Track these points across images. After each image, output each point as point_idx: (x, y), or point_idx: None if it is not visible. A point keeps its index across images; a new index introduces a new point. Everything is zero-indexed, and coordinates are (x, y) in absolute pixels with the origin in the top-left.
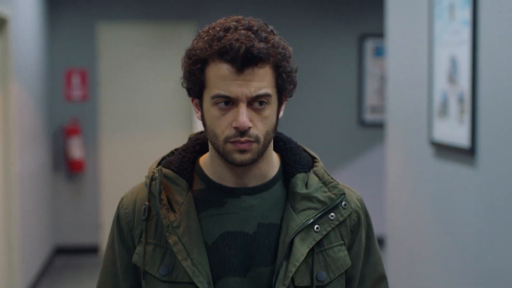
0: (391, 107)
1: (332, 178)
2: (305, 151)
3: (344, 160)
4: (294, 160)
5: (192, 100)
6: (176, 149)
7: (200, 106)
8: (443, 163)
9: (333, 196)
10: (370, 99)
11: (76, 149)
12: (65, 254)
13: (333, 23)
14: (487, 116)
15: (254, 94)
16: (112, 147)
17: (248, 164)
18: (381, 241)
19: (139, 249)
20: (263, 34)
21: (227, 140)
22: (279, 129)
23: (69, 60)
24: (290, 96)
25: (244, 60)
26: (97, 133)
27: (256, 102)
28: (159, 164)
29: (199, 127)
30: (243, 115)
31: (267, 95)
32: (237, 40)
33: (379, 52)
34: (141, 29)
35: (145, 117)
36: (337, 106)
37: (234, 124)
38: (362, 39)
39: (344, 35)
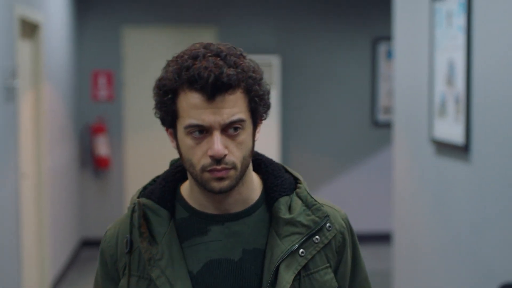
0: (398, 108)
1: (315, 200)
2: (287, 171)
3: (358, 158)
4: (276, 183)
5: (167, 130)
6: (157, 177)
7: (174, 136)
8: (442, 160)
9: (317, 219)
10: (383, 100)
11: (102, 147)
12: (90, 246)
13: (347, 27)
14: (480, 115)
15: (227, 121)
16: (136, 144)
17: (226, 191)
18: (389, 237)
19: (123, 281)
20: (232, 59)
21: (203, 169)
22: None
23: (96, 62)
24: (265, 119)
25: (214, 88)
26: (122, 131)
27: (230, 129)
28: (140, 192)
29: None
30: (218, 143)
31: (240, 121)
32: (206, 68)
33: (391, 54)
34: (163, 32)
35: None
36: (352, 107)
37: (209, 153)
38: (375, 42)
39: (358, 38)
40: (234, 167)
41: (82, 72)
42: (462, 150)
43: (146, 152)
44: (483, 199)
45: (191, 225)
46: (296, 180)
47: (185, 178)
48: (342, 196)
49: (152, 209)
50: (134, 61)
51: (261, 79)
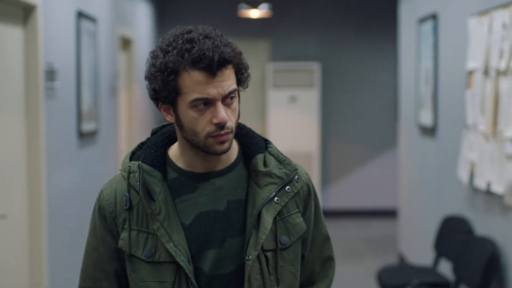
0: (402, 103)
1: (285, 157)
2: (258, 134)
3: (383, 147)
4: (252, 143)
5: (160, 106)
6: (142, 143)
7: (173, 111)
8: (423, 139)
9: (288, 171)
10: None
11: None
12: None
13: (376, 39)
14: (443, 107)
15: (227, 91)
16: None
17: (226, 151)
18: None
19: (123, 235)
20: (220, 39)
21: (208, 135)
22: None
23: None
24: (246, 87)
25: (218, 65)
26: None
27: (228, 98)
28: (131, 158)
29: (271, 117)
30: (222, 112)
31: (235, 90)
32: (208, 49)
33: None
34: None
35: None
36: (379, 105)
37: (215, 121)
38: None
39: (384, 48)
40: (232, 131)
41: None
42: (431, 131)
43: None
44: (443, 165)
45: (180, 184)
46: (266, 141)
47: (170, 144)
48: (369, 178)
49: (147, 171)
50: None
51: (242, 53)
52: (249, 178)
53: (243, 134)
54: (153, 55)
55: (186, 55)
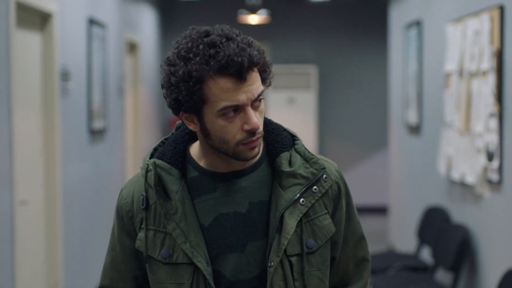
0: (392, 103)
1: (312, 155)
2: (285, 130)
3: (376, 145)
4: (277, 140)
5: (182, 115)
6: (166, 139)
7: (197, 120)
8: (409, 136)
9: (315, 171)
10: None
11: None
12: None
13: (370, 44)
14: (427, 107)
15: (256, 95)
16: None
17: (256, 156)
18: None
19: (140, 235)
20: (244, 40)
21: (239, 142)
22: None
23: None
24: (269, 85)
25: (247, 70)
26: None
27: (257, 101)
28: (151, 155)
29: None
30: (254, 117)
31: (262, 92)
32: (235, 53)
33: None
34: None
35: None
36: (372, 106)
37: (247, 127)
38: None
39: (378, 53)
40: (262, 134)
41: None
42: (416, 130)
43: None
44: (426, 159)
45: (201, 183)
46: (293, 137)
47: (192, 140)
48: (363, 176)
49: (164, 169)
50: None
51: (264, 50)
52: (273, 177)
53: (268, 130)
54: (170, 63)
55: (212, 62)
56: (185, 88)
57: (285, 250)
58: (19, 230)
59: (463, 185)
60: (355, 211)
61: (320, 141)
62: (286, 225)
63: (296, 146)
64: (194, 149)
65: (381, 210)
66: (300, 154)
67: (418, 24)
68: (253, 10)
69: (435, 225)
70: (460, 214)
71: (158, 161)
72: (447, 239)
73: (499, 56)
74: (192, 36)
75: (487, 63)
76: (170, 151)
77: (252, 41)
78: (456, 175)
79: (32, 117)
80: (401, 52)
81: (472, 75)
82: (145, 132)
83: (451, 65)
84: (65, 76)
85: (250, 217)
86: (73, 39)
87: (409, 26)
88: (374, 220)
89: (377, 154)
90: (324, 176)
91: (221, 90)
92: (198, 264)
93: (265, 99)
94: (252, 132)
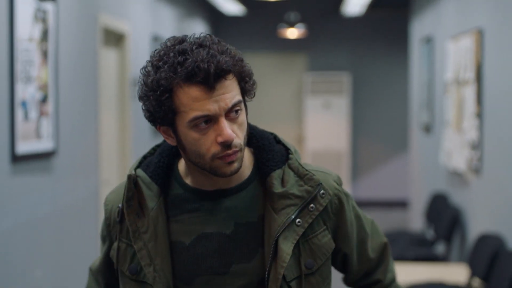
0: (413, 108)
1: (306, 170)
2: (279, 142)
3: (404, 145)
4: (268, 158)
5: (159, 128)
6: (158, 146)
7: (173, 133)
8: (422, 135)
9: (310, 188)
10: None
11: None
12: None
13: (399, 53)
14: (436, 110)
15: (230, 105)
16: None
17: (236, 173)
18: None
19: (115, 245)
20: (218, 47)
21: (214, 157)
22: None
23: None
24: (253, 96)
25: (215, 77)
26: None
27: (232, 112)
28: (140, 163)
29: (308, 120)
30: (227, 128)
31: (240, 102)
32: (203, 60)
33: None
34: (268, 57)
35: (269, 115)
36: (400, 109)
37: (220, 140)
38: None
39: (403, 60)
40: (240, 149)
41: None
42: (427, 127)
43: None
44: (435, 154)
45: (184, 201)
46: (288, 151)
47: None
48: (390, 171)
49: (145, 182)
50: None
51: (243, 59)
52: (265, 198)
53: (259, 146)
54: (145, 72)
55: (179, 69)
56: (153, 98)
57: (284, 276)
58: (101, 205)
59: (457, 174)
60: (360, 211)
61: (353, 141)
62: (281, 252)
63: (289, 162)
64: (182, 163)
65: (404, 204)
66: (293, 171)
67: (429, 39)
68: (292, 24)
69: (437, 208)
70: (455, 197)
71: (141, 173)
72: (444, 218)
73: (479, 68)
74: (168, 45)
75: (471, 73)
76: (154, 164)
77: (228, 49)
78: (452, 165)
79: (111, 115)
80: (418, 63)
81: (463, 83)
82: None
83: (449, 75)
84: (135, 83)
85: (235, 238)
86: (141, 54)
87: (423, 40)
88: (399, 214)
89: (403, 153)
90: (321, 191)
91: (190, 99)
92: None
93: (303, 103)
94: (226, 145)
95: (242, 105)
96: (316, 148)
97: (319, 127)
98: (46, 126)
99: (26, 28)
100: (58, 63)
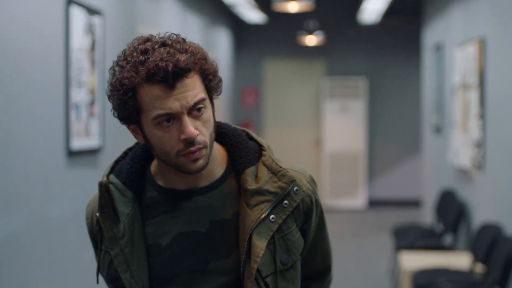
0: (425, 111)
1: (280, 167)
2: (252, 139)
3: (418, 147)
4: (241, 155)
5: (128, 127)
6: (129, 149)
7: (140, 130)
8: (433, 135)
9: (283, 184)
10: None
11: None
12: None
13: (413, 59)
14: (445, 112)
15: (192, 103)
16: (272, 137)
17: (202, 170)
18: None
19: (98, 251)
20: (179, 46)
21: (178, 154)
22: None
23: (246, 81)
24: (220, 93)
25: (174, 76)
26: (262, 127)
27: (194, 110)
28: (112, 168)
29: (326, 123)
30: (189, 126)
31: (202, 100)
32: (161, 59)
33: None
34: (288, 62)
35: (289, 118)
36: (415, 113)
37: (182, 137)
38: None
39: (417, 65)
40: (205, 146)
41: (236, 88)
42: (437, 128)
43: (280, 143)
44: (444, 153)
45: (160, 203)
46: (261, 147)
47: (153, 157)
48: (405, 171)
49: (119, 189)
50: (270, 80)
51: (207, 57)
52: (240, 195)
53: (232, 144)
54: (111, 72)
55: (140, 69)
56: (118, 97)
57: (259, 271)
58: None
59: (463, 170)
60: (325, 221)
61: (369, 143)
62: (255, 247)
63: (263, 158)
64: (154, 166)
65: (418, 203)
66: (267, 167)
67: (439, 46)
68: (310, 31)
69: (446, 203)
70: (462, 192)
71: (114, 179)
72: (452, 211)
73: (481, 74)
74: (133, 45)
75: (475, 79)
76: (127, 170)
77: (189, 47)
78: (459, 163)
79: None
80: (429, 68)
81: (468, 87)
82: None
83: (456, 80)
84: None
85: (211, 236)
86: None
87: (434, 47)
88: (412, 212)
89: (416, 154)
90: (295, 188)
91: (152, 97)
92: None
93: (321, 107)
94: (190, 142)
95: (207, 102)
96: (333, 149)
97: (337, 130)
98: (94, 125)
99: (78, 39)
100: (104, 70)
